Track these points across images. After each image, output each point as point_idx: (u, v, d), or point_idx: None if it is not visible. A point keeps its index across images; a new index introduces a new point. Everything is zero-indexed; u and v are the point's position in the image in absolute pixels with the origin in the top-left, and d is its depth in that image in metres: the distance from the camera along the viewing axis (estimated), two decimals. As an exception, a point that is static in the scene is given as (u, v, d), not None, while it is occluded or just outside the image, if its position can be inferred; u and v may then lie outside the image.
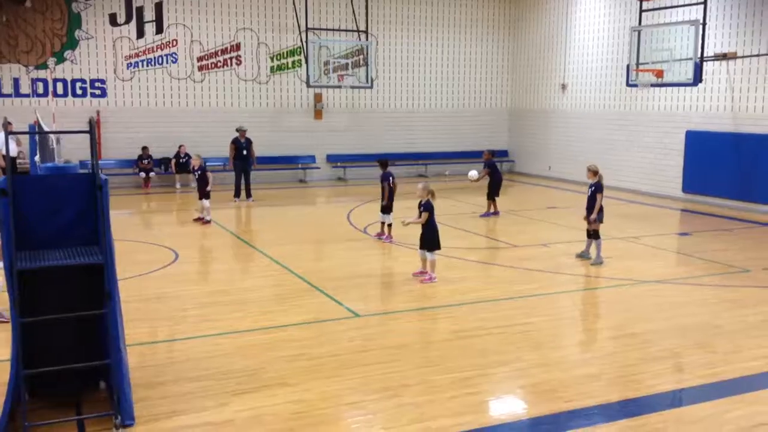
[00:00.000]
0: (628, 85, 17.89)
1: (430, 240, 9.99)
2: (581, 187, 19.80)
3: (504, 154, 25.13)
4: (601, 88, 20.92)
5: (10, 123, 7.63)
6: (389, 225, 12.85)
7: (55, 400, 5.86)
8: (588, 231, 11.21)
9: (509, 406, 6.21)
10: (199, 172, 14.72)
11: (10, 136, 9.67)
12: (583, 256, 11.34)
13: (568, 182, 21.38)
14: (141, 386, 6.05)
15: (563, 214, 16.15)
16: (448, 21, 23.79)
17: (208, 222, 14.52)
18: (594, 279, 10.46)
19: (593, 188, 11.12)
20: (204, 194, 14.56)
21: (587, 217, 11.11)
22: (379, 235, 13.00)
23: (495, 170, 15.85)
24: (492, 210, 15.69)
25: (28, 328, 5.36)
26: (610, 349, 7.58)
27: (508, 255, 11.95)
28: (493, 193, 15.75)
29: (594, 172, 11.18)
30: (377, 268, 11.37)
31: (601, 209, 11.03)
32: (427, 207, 9.95)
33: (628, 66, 17.23)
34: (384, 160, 13.57)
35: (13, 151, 8.27)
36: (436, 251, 10.05)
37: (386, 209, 12.84)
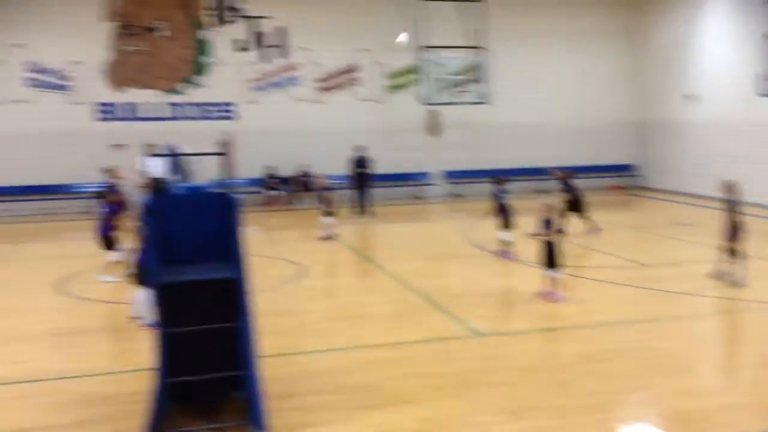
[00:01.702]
0: (759, 94, 16.75)
1: (552, 258, 9.75)
2: (711, 202, 18.74)
3: (629, 168, 24.23)
4: (730, 98, 19.73)
5: (155, 145, 8.21)
6: (509, 242, 12.67)
7: (193, 409, 6.15)
8: (729, 249, 10.48)
9: (644, 434, 5.92)
10: (322, 190, 15.15)
11: (159, 158, 10.35)
12: (722, 276, 10.64)
13: (698, 197, 20.26)
14: (272, 397, 6.23)
15: (693, 230, 15.30)
16: (566, 33, 23.30)
17: (331, 239, 14.88)
18: (733, 301, 9.81)
19: (731, 203, 10.48)
20: (326, 212, 14.96)
21: (732, 236, 10.40)
22: (500, 253, 12.84)
23: (572, 188, 14.88)
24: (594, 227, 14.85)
25: (170, 338, 5.67)
26: (753, 377, 7.07)
27: (636, 274, 11.45)
28: (579, 211, 14.76)
29: (730, 187, 10.55)
30: (498, 286, 11.20)
31: (741, 226, 10.35)
32: (549, 224, 9.72)
33: (759, 75, 16.15)
34: (498, 177, 13.39)
35: (161, 172, 8.84)
36: (559, 269, 9.79)
37: (504, 226, 12.67)
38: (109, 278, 11.14)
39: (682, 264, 11.97)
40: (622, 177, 24.20)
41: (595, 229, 14.85)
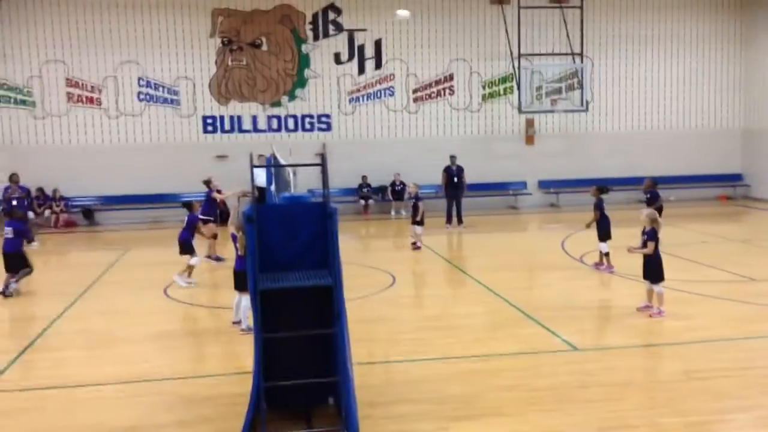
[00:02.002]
0: None
1: (653, 271, 9.40)
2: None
3: (738, 178, 23.02)
4: None
5: (261, 155, 8.49)
6: (607, 254, 12.31)
7: (288, 413, 6.32)
8: None
9: (752, 458, 5.61)
10: (413, 199, 15.24)
11: (260, 169, 10.78)
12: None
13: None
14: (364, 404, 6.31)
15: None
16: (670, 38, 22.46)
17: (419, 248, 14.92)
18: None
19: None
20: (416, 221, 15.03)
21: None
22: (597, 265, 12.49)
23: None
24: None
25: (267, 343, 5.86)
26: None
27: (744, 289, 10.85)
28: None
29: None
30: (595, 299, 10.90)
31: None
32: (651, 236, 9.37)
33: None
34: (601, 186, 12.98)
35: (262, 182, 9.19)
36: (661, 283, 9.42)
37: (604, 237, 12.33)
38: (182, 281, 11.77)
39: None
40: (729, 187, 23.02)
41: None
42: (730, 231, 17.33)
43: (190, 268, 11.95)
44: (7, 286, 11.53)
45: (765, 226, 17.99)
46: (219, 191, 14.50)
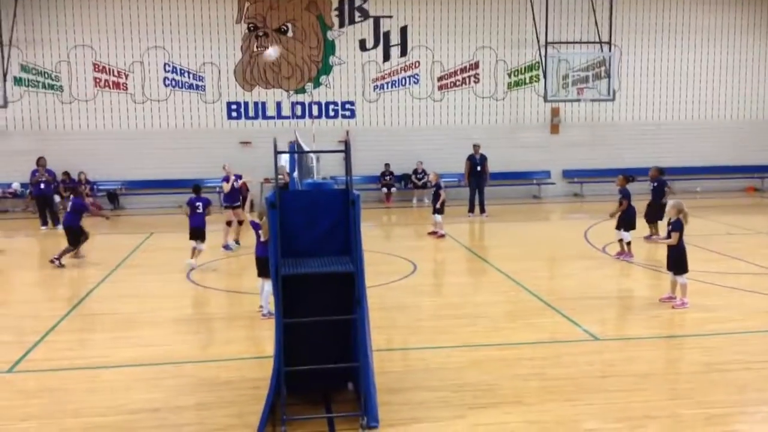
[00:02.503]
0: None
1: (677, 262, 9.30)
2: None
3: (766, 169, 22.64)
4: None
5: (293, 141, 8.49)
6: (628, 243, 12.21)
7: (308, 397, 6.38)
8: None
9: (773, 452, 5.56)
10: (435, 188, 15.22)
11: (284, 155, 10.85)
12: None
13: None
14: (383, 391, 6.35)
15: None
16: (700, 27, 22.10)
17: (442, 236, 14.91)
18: None
19: None
20: (436, 209, 15.00)
21: None
22: (620, 254, 12.40)
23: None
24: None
25: (288, 328, 5.91)
26: None
27: (771, 282, 10.70)
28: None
29: None
30: (617, 289, 10.82)
31: None
32: (676, 226, 9.27)
33: None
34: (626, 176, 12.86)
35: (286, 168, 9.27)
36: (685, 274, 9.32)
37: (627, 227, 12.24)
38: (192, 263, 12.06)
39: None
40: (757, 179, 22.65)
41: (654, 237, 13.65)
42: (758, 223, 17.06)
43: (198, 253, 12.21)
44: (59, 258, 12.37)
45: (794, 219, 17.68)
46: (227, 180, 14.37)
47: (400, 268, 11.99)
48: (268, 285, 8.91)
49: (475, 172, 18.37)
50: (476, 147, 18.56)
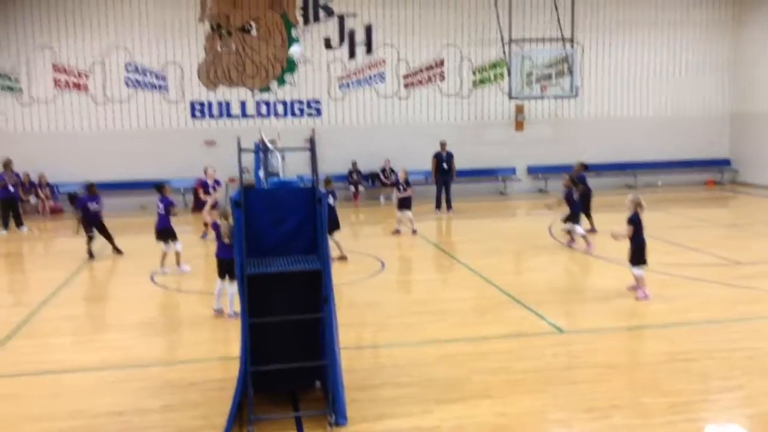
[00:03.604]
0: None
1: (635, 254, 9.48)
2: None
3: (726, 163, 23.14)
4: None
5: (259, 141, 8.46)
6: (582, 234, 12.85)
7: (275, 397, 6.34)
8: None
9: (734, 438, 5.68)
10: (404, 185, 15.27)
11: (275, 152, 10.64)
12: None
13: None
14: (351, 388, 6.34)
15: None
16: (660, 24, 22.47)
17: (401, 233, 15.01)
18: (837, 302, 9.24)
19: None
20: (407, 205, 15.08)
21: None
22: (570, 243, 13.06)
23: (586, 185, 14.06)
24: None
25: (254, 328, 5.86)
26: None
27: (730, 273, 10.94)
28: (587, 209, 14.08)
29: None
30: (581, 282, 10.97)
31: None
32: (632, 220, 9.44)
33: None
34: (570, 174, 13.60)
35: (250, 168, 9.15)
36: (643, 266, 9.49)
37: (575, 218, 13.01)
38: (185, 268, 11.80)
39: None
40: (717, 172, 23.14)
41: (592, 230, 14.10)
42: (717, 215, 17.46)
43: (177, 255, 11.92)
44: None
45: (751, 211, 18.11)
46: (206, 189, 14.46)
47: (369, 266, 11.99)
48: (231, 287, 8.84)
49: (442, 170, 18.45)
50: (443, 144, 18.64)
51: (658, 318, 8.70)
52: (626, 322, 8.69)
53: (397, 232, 15.29)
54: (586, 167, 14.84)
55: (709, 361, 7.15)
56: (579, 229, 12.94)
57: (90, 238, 13.07)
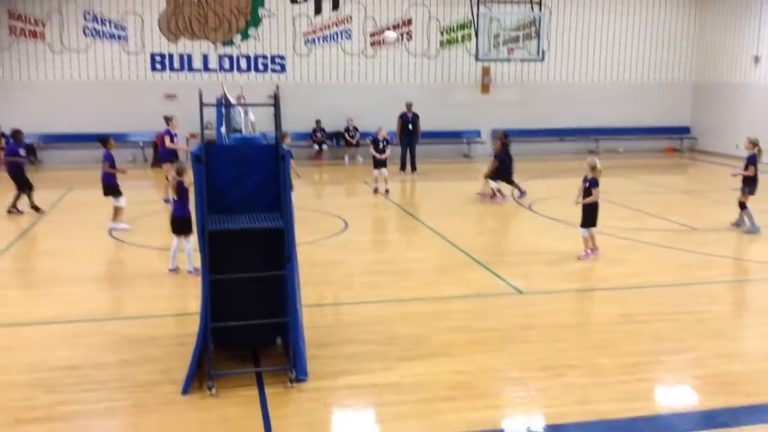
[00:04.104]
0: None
1: (587, 216, 9.65)
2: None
3: (686, 131, 23.52)
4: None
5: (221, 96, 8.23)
6: (499, 189, 14.18)
7: (236, 353, 6.34)
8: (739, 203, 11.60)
9: (683, 396, 5.88)
10: (384, 143, 15.25)
11: (247, 108, 10.23)
12: (738, 225, 11.63)
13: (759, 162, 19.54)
14: (313, 345, 6.38)
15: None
16: (628, -11, 22.50)
17: (383, 192, 15.11)
18: (785, 268, 9.55)
19: (747, 160, 11.59)
20: (384, 164, 15.25)
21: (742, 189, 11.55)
22: (484, 196, 14.36)
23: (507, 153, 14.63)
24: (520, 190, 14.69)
25: (216, 285, 5.82)
26: (801, 345, 6.91)
27: (685, 238, 11.21)
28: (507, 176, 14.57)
29: (754, 144, 11.58)
30: (541, 245, 11.09)
31: (755, 182, 11.44)
32: (593, 183, 9.57)
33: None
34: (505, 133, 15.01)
35: (212, 123, 8.85)
36: (592, 228, 9.68)
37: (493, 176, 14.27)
38: (121, 225, 11.42)
39: (734, 229, 11.67)
40: (677, 139, 23.53)
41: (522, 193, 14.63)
42: (675, 182, 17.79)
43: (117, 211, 11.54)
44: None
45: (708, 178, 18.51)
46: (172, 138, 13.91)
47: (332, 226, 11.97)
48: (188, 243, 8.75)
49: (407, 131, 18.38)
50: (408, 105, 18.55)
51: (614, 281, 8.90)
52: (583, 284, 8.87)
53: (376, 191, 15.26)
54: (506, 136, 15.13)
55: (661, 323, 7.35)
56: (493, 183, 14.22)
57: (22, 193, 12.60)
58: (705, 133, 22.97)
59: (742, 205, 11.59)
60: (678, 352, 6.62)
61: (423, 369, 6.15)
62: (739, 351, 6.73)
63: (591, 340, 6.94)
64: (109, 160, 11.55)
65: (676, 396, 5.89)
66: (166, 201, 13.50)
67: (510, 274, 9.09)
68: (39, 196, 13.08)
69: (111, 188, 11.54)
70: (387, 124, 18.75)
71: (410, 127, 18.37)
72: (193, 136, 18.42)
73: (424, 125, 19.02)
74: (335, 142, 21.05)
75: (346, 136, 20.79)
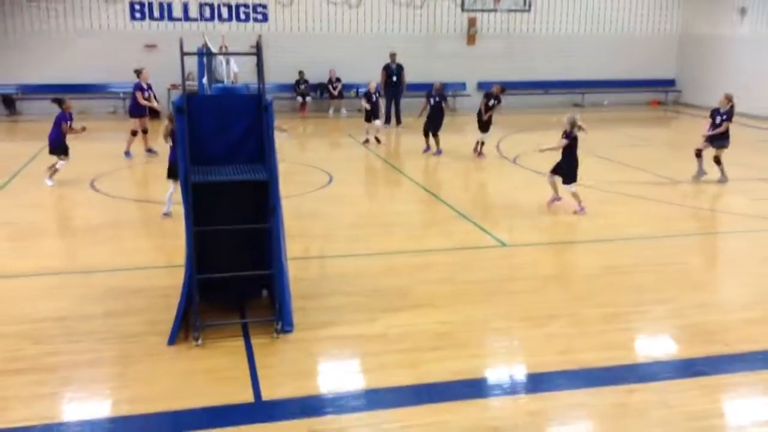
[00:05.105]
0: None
1: (567, 172, 9.67)
2: (759, 122, 18.20)
3: (671, 83, 23.48)
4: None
5: (202, 46, 8.04)
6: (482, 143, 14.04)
7: (222, 305, 6.35)
8: (715, 158, 11.69)
9: (662, 345, 6.00)
10: (377, 95, 15.15)
11: (230, 58, 9.87)
12: (699, 175, 11.75)
13: (741, 116, 19.61)
14: (298, 297, 6.40)
15: (733, 149, 14.87)
16: (616, -61, 22.15)
17: (377, 142, 15.24)
18: (764, 220, 9.67)
19: (725, 116, 11.57)
20: (376, 115, 15.29)
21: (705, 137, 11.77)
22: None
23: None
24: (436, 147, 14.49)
25: (200, 237, 5.79)
26: (778, 295, 7.04)
27: (668, 191, 11.30)
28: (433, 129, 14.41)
29: (729, 100, 11.60)
30: (526, 198, 11.11)
31: (727, 136, 11.60)
32: (569, 136, 9.54)
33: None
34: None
35: (229, 74, 8.59)
36: (573, 184, 9.70)
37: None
38: (49, 182, 11.04)
39: (715, 182, 11.76)
40: (662, 92, 23.49)
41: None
42: (660, 135, 17.84)
43: (55, 169, 11.19)
44: None
45: (693, 131, 18.49)
46: (143, 91, 13.61)
47: (316, 179, 11.91)
48: (174, 186, 8.71)
49: (391, 83, 18.18)
50: (393, 56, 18.30)
51: (597, 233, 8.97)
52: (567, 237, 8.94)
53: (366, 141, 15.21)
54: (443, 86, 15.14)
55: (642, 274, 7.45)
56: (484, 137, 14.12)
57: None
58: (689, 86, 22.94)
59: (717, 160, 11.66)
60: (659, 302, 6.73)
61: (407, 320, 6.21)
62: (719, 301, 6.86)
63: (573, 291, 7.03)
64: (64, 121, 11.24)
65: (656, 345, 6.00)
66: (149, 151, 13.41)
67: (494, 226, 9.13)
68: (15, 149, 12.85)
69: (60, 147, 11.21)
70: (371, 76, 18.54)
71: (394, 78, 18.16)
72: (174, 87, 18.12)
73: (409, 77, 18.81)
74: (319, 94, 20.81)
75: (330, 88, 20.54)
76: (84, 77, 19.17)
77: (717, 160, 11.68)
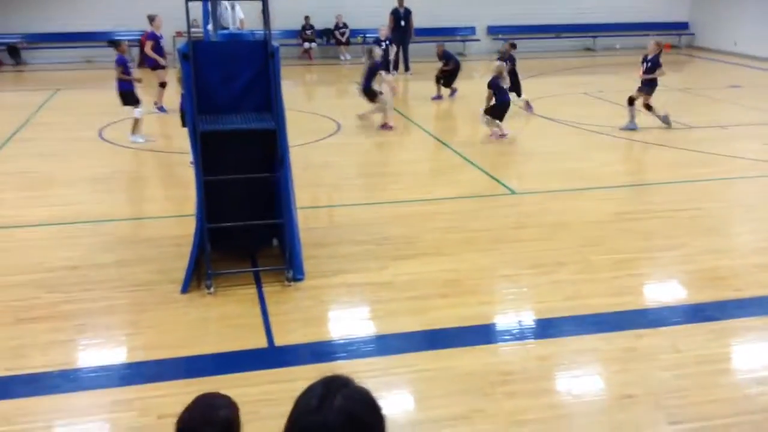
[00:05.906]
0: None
1: (495, 111, 10.50)
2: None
3: (684, 26, 22.96)
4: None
5: None
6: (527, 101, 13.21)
7: (233, 254, 6.40)
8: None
9: (672, 291, 6.02)
10: (387, 42, 14.89)
11: (235, 4, 9.42)
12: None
13: (757, 59, 19.24)
14: (308, 246, 6.42)
15: (747, 93, 14.66)
16: None
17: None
18: (778, 166, 9.57)
19: (650, 62, 11.50)
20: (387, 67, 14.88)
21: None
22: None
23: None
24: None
25: (210, 186, 5.79)
26: (789, 241, 7.02)
27: (681, 136, 11.16)
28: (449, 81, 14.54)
29: (658, 45, 11.62)
30: (535, 145, 11.04)
31: (655, 83, 11.45)
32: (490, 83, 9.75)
33: None
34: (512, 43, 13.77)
35: (234, 21, 8.34)
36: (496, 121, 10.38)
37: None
38: (139, 139, 10.68)
39: (729, 127, 11.61)
40: (675, 35, 23.00)
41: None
42: (672, 80, 17.48)
43: (135, 123, 10.72)
44: None
45: (706, 75, 18.23)
46: (157, 41, 12.80)
47: (324, 127, 11.83)
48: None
49: (399, 27, 17.84)
50: (400, 0, 17.93)
51: (608, 180, 8.91)
52: (576, 184, 8.87)
53: (380, 93, 15.04)
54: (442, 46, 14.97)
55: (653, 220, 7.42)
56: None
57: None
58: (703, 29, 22.44)
59: (648, 107, 11.35)
60: (669, 248, 6.72)
61: (416, 268, 6.24)
62: (729, 247, 6.84)
63: (583, 238, 7.01)
64: (123, 64, 10.70)
65: (666, 290, 6.02)
66: (160, 109, 12.65)
67: (503, 174, 9.08)
68: (23, 98, 12.80)
69: (128, 96, 10.69)
70: (378, 21, 18.18)
71: (402, 23, 17.83)
72: (179, 34, 17.86)
73: (417, 22, 18.45)
74: (325, 41, 20.49)
75: (336, 34, 20.22)
76: (88, 26, 18.93)
77: (647, 107, 11.36)
